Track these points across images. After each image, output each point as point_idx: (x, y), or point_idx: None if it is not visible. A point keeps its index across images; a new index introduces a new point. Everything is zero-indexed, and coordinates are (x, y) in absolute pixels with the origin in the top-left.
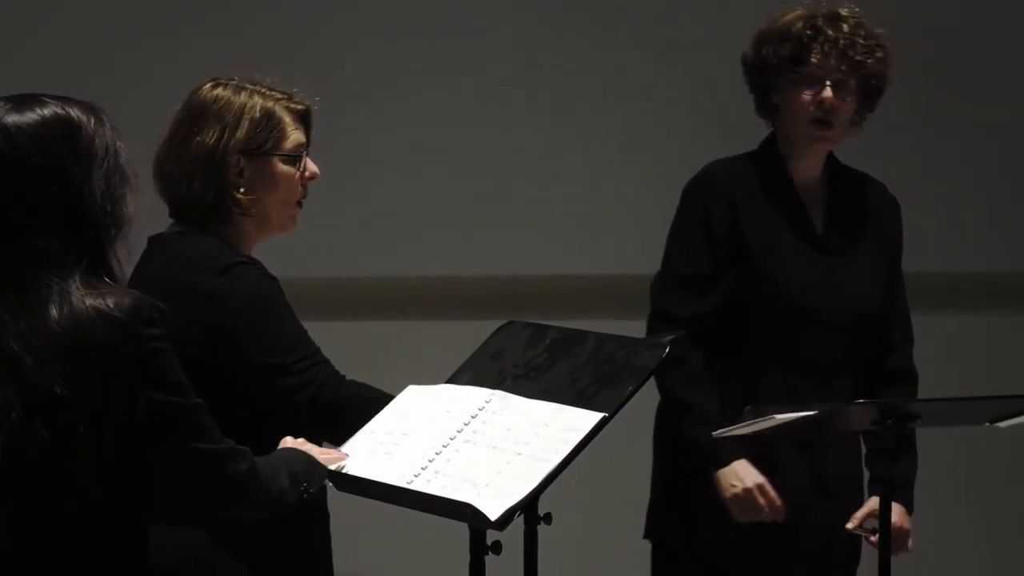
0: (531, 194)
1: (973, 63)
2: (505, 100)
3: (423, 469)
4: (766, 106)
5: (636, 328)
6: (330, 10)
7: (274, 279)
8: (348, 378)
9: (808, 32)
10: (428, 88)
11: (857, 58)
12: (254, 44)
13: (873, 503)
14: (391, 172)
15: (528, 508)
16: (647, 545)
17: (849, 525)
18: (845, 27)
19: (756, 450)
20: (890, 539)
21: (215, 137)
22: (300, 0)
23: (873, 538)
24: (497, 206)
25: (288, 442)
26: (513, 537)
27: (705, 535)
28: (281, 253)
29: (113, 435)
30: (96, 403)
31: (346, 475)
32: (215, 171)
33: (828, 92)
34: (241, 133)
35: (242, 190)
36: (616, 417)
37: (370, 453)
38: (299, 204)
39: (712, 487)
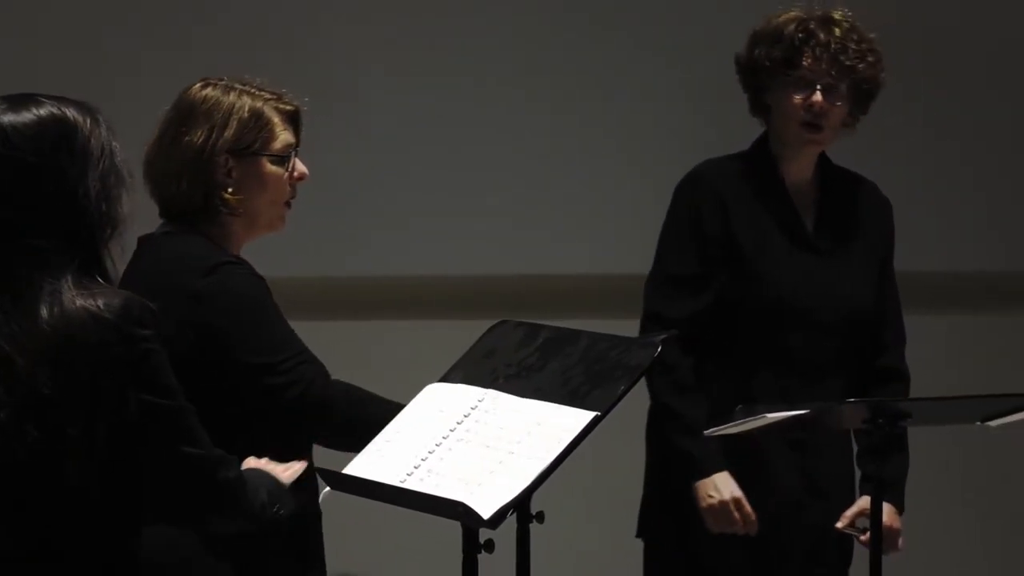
0: (530, 194)
1: (973, 63)
2: (505, 100)
3: (416, 468)
4: (759, 106)
5: (635, 328)
6: (330, 10)
7: (261, 279)
8: (334, 378)
9: (800, 35)
10: (428, 88)
11: (848, 63)
12: (253, 44)
13: (863, 502)
14: (391, 172)
15: (521, 507)
16: (639, 544)
17: (839, 524)
18: (837, 31)
19: (746, 450)
20: (881, 537)
21: (203, 137)
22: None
23: (863, 537)
24: (497, 206)
25: (251, 463)
26: (506, 536)
27: (697, 534)
28: (305, 252)
29: (104, 436)
30: (86, 404)
31: (339, 474)
32: (203, 171)
33: (818, 96)
34: (229, 133)
35: (230, 190)
36: (608, 416)
37: (363, 452)
38: (287, 204)
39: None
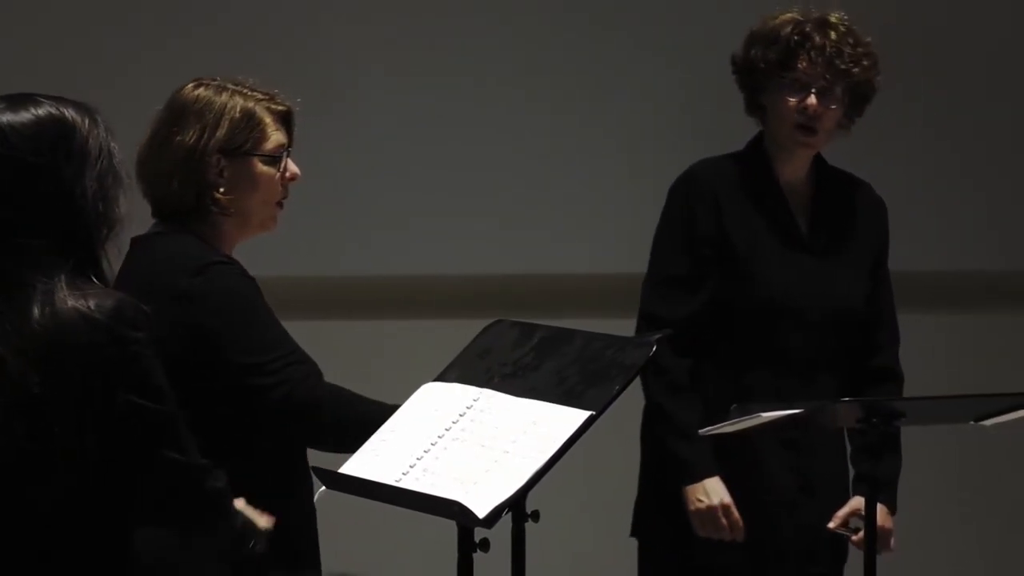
0: (530, 194)
1: (972, 63)
2: (505, 100)
3: (411, 467)
4: (754, 106)
5: (634, 328)
6: (330, 10)
7: (252, 279)
8: (329, 380)
9: (796, 38)
10: (428, 88)
11: (843, 67)
12: (253, 44)
13: (855, 502)
14: (391, 172)
15: (516, 506)
16: (634, 543)
17: (831, 524)
18: (833, 35)
19: (740, 449)
20: (875, 537)
21: (195, 137)
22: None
23: (855, 537)
24: (496, 206)
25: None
26: (501, 535)
27: (691, 534)
28: (305, 252)
29: (93, 437)
30: (75, 404)
31: (335, 473)
32: (195, 171)
33: (813, 99)
34: (221, 133)
35: (222, 190)
36: (603, 415)
37: (359, 451)
38: (280, 204)
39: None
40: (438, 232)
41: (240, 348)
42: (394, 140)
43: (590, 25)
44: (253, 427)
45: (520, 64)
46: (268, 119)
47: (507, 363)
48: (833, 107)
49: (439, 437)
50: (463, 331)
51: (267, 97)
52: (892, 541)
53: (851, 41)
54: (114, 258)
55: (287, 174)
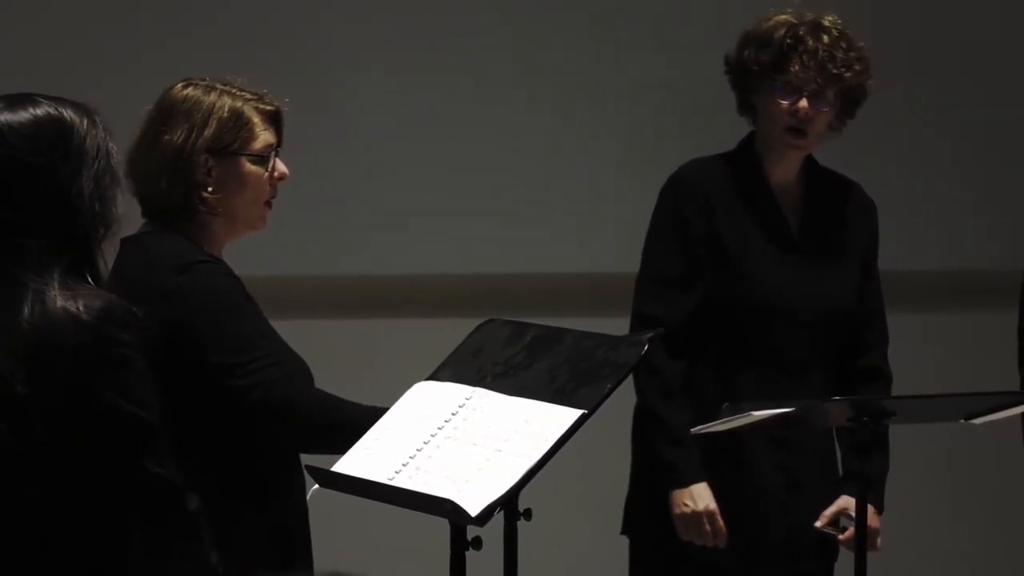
0: (530, 194)
1: (970, 63)
2: (505, 100)
3: (404, 466)
4: (746, 106)
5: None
6: (330, 10)
7: (237, 278)
8: (329, 380)
9: (789, 41)
10: (428, 88)
11: (835, 71)
12: (253, 44)
13: (841, 501)
14: (391, 172)
15: (508, 504)
16: (625, 541)
17: (817, 524)
18: (826, 38)
19: (729, 448)
20: (866, 536)
21: (183, 136)
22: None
23: (841, 536)
24: (496, 206)
25: None
26: (493, 533)
27: None
28: (304, 251)
29: (79, 438)
30: (59, 404)
31: (327, 471)
32: (183, 170)
33: (804, 103)
34: (209, 132)
35: (210, 189)
36: (595, 414)
37: (351, 450)
38: (268, 204)
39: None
40: (438, 232)
41: (220, 348)
42: (394, 140)
43: (590, 25)
44: (233, 428)
45: (520, 64)
46: (256, 119)
47: (499, 362)
48: (824, 110)
49: (432, 436)
50: (462, 331)
51: (256, 97)
52: (879, 540)
53: (844, 45)
54: (109, 258)
55: (275, 174)
